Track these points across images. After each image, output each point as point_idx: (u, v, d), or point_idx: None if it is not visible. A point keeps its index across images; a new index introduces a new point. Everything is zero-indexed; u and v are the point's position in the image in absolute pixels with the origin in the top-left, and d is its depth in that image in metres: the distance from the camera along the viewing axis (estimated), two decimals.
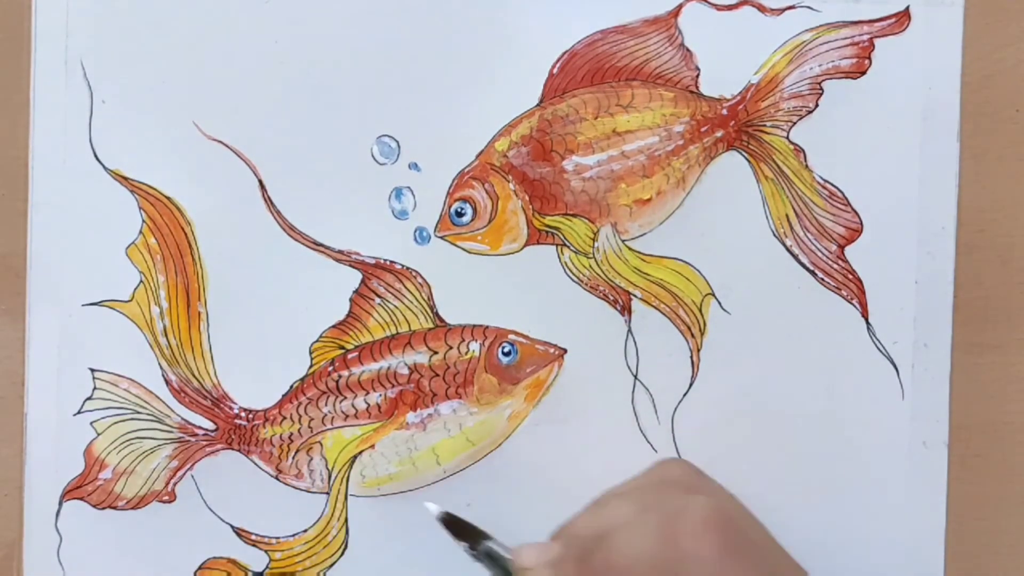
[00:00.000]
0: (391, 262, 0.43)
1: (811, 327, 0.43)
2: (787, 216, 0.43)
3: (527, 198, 0.43)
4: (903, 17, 0.43)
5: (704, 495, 0.35)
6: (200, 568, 0.43)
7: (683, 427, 0.43)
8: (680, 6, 0.43)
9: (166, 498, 0.43)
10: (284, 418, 0.43)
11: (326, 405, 0.43)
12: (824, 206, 0.43)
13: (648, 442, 0.43)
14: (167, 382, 0.43)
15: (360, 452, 0.43)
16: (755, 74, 0.43)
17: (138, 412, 0.43)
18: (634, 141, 0.43)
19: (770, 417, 0.43)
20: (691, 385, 0.43)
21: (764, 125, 0.43)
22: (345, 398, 0.43)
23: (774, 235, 0.43)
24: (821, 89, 0.43)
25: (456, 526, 0.39)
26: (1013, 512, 0.44)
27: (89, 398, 0.43)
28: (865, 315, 0.43)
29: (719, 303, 0.43)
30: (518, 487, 0.43)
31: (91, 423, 0.43)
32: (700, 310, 0.43)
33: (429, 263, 0.43)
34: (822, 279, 0.43)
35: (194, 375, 0.43)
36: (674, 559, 0.33)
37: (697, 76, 0.43)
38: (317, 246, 0.43)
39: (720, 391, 0.43)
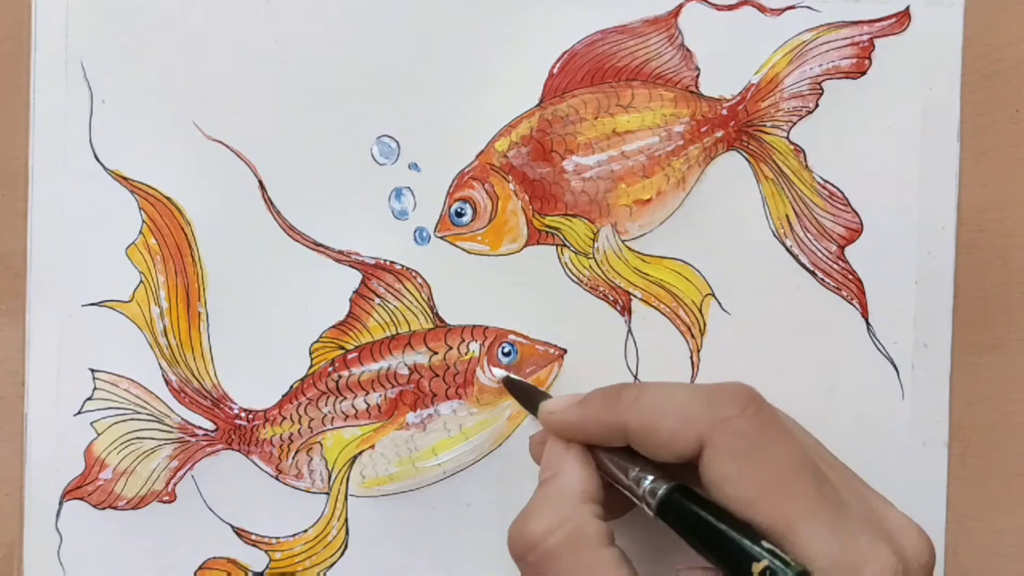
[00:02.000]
0: (391, 262, 0.43)
1: (811, 327, 0.43)
2: (787, 216, 0.43)
3: (527, 198, 0.43)
4: (903, 17, 0.43)
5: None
6: (200, 568, 0.43)
7: None
8: (680, 6, 0.43)
9: (166, 498, 0.43)
10: (284, 418, 0.43)
11: (326, 405, 0.43)
12: (824, 206, 0.43)
13: None
14: (167, 382, 0.43)
15: (360, 452, 0.43)
16: (755, 74, 0.43)
17: (138, 412, 0.43)
18: (634, 141, 0.43)
19: None
20: None
21: (764, 125, 0.43)
22: (345, 398, 0.43)
23: (774, 235, 0.43)
24: (821, 89, 0.43)
25: (518, 389, 0.41)
26: (1013, 512, 0.44)
27: (89, 398, 0.43)
28: (865, 315, 0.43)
29: (719, 303, 0.43)
30: (518, 487, 0.43)
31: (91, 423, 0.43)
32: (700, 310, 0.43)
33: (429, 263, 0.43)
34: (822, 279, 0.43)
35: (194, 375, 0.43)
36: (704, 417, 0.33)
37: (697, 76, 0.43)
38: (317, 246, 0.43)
39: None
